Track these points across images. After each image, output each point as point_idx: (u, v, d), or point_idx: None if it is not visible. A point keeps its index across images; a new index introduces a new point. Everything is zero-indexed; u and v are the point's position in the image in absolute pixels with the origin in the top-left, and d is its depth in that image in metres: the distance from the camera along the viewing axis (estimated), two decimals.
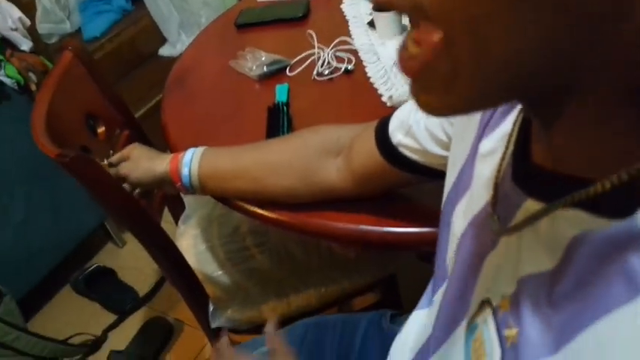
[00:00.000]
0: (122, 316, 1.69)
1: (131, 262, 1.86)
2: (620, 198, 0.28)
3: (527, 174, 0.36)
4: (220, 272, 1.10)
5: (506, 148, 0.40)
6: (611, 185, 0.28)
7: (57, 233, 1.70)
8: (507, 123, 0.42)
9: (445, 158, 0.56)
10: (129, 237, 1.93)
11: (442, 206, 0.54)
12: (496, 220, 0.39)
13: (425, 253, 0.77)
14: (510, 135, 0.40)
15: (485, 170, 0.43)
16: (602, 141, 0.30)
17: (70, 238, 1.75)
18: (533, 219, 0.34)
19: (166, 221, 1.15)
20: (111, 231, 1.88)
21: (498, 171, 0.41)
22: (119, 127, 1.10)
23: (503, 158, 0.40)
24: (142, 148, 0.87)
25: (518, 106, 0.41)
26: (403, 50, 0.31)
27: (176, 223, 1.28)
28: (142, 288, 1.76)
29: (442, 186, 0.55)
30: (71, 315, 1.74)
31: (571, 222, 0.31)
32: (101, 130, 1.03)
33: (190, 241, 1.19)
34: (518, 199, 0.36)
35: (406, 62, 0.31)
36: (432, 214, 0.72)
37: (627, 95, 0.28)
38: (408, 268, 1.18)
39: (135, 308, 1.70)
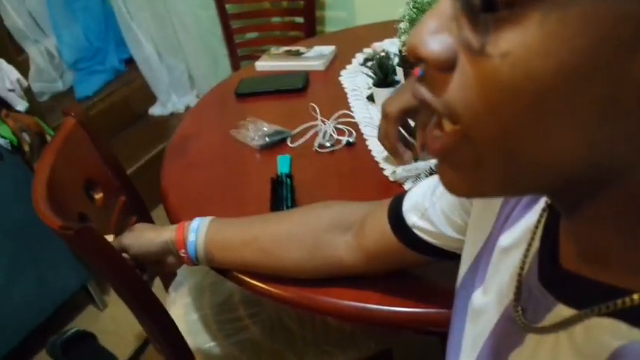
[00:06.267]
0: None
1: (112, 326, 1.79)
2: None
3: (555, 276, 0.36)
4: (213, 344, 1.07)
5: (530, 244, 0.40)
6: None
7: (39, 294, 1.64)
8: (531, 216, 0.42)
9: (461, 242, 0.56)
10: (110, 300, 1.88)
11: (456, 290, 0.54)
12: (520, 313, 0.38)
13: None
14: (535, 230, 0.40)
15: (507, 264, 0.43)
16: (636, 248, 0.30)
17: (52, 300, 1.70)
18: (566, 324, 0.33)
19: (156, 287, 1.12)
20: (93, 293, 1.83)
21: (522, 264, 0.40)
22: (116, 193, 1.09)
23: (526, 253, 0.40)
24: (146, 223, 0.86)
25: (543, 199, 0.41)
26: (430, 129, 0.31)
27: (166, 289, 1.25)
28: (123, 354, 1.69)
29: (452, 265, 0.55)
30: None
31: (610, 333, 0.30)
32: (99, 196, 1.02)
33: (181, 310, 1.16)
34: (546, 301, 0.35)
35: (432, 142, 0.31)
36: (440, 293, 0.72)
37: None
38: (404, 340, 1.16)
39: None
